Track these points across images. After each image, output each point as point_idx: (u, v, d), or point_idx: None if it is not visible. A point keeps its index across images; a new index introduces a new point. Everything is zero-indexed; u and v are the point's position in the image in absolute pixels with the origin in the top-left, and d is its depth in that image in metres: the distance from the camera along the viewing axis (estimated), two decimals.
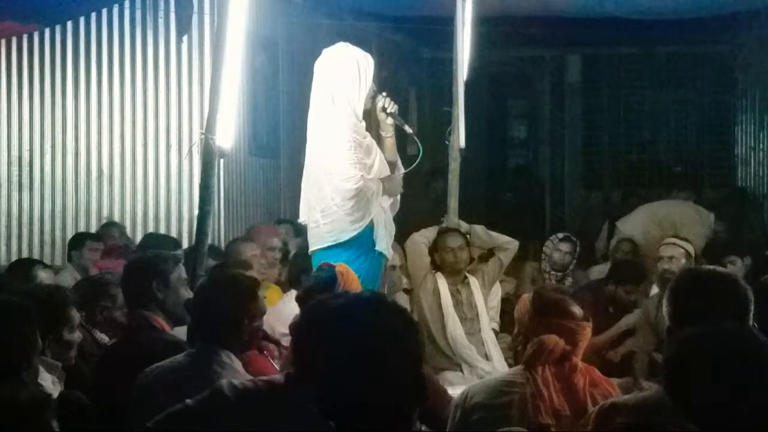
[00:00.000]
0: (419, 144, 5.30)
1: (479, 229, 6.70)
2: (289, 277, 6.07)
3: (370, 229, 5.17)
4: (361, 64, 5.16)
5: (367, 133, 5.22)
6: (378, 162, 5.22)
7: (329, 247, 5.13)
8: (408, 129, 5.30)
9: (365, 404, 2.11)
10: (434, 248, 6.48)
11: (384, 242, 5.21)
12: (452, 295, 6.35)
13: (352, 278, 4.45)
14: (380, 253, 5.21)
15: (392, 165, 5.37)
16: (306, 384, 2.87)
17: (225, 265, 5.69)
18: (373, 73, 5.22)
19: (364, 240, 5.16)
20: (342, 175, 5.06)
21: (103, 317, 4.79)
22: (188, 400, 3.05)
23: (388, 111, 5.20)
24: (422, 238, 6.52)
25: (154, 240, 6.84)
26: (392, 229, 5.38)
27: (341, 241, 5.11)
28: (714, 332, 2.48)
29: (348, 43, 5.33)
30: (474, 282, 6.49)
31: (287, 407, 2.91)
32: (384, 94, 5.25)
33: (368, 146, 5.18)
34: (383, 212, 5.24)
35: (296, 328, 2.95)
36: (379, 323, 2.15)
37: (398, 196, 5.43)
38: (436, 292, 6.34)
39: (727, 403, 2.32)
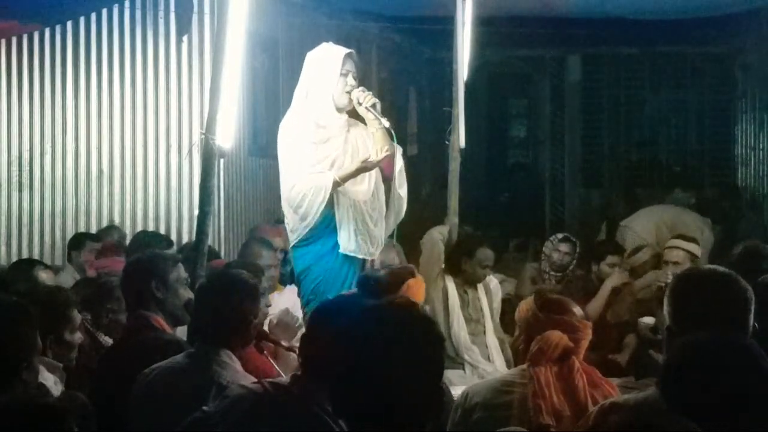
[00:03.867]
0: (393, 135, 5.14)
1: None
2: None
3: (333, 229, 5.05)
4: (331, 54, 5.09)
5: (340, 123, 5.10)
6: (341, 155, 5.06)
7: (299, 245, 5.09)
8: (385, 122, 5.07)
9: (379, 409, 2.12)
10: (465, 254, 6.40)
11: (352, 244, 5.02)
12: (459, 295, 6.34)
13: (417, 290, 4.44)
14: (346, 255, 5.05)
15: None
16: (313, 385, 2.89)
17: (229, 265, 5.68)
18: (349, 67, 5.07)
19: (326, 241, 5.05)
20: (284, 178, 5.05)
21: (108, 320, 4.80)
22: (205, 407, 3.09)
23: (363, 105, 5.08)
24: (439, 235, 6.48)
25: (146, 238, 6.78)
26: (375, 230, 5.13)
27: (302, 237, 5.06)
28: (715, 341, 2.48)
29: (330, 43, 5.28)
30: (480, 285, 6.48)
31: (294, 408, 2.93)
32: (362, 88, 5.10)
33: (329, 138, 5.07)
34: (352, 210, 5.06)
35: (317, 326, 2.97)
36: (405, 333, 2.15)
37: (403, 197, 5.30)
38: (445, 292, 6.32)
39: (720, 412, 2.34)
